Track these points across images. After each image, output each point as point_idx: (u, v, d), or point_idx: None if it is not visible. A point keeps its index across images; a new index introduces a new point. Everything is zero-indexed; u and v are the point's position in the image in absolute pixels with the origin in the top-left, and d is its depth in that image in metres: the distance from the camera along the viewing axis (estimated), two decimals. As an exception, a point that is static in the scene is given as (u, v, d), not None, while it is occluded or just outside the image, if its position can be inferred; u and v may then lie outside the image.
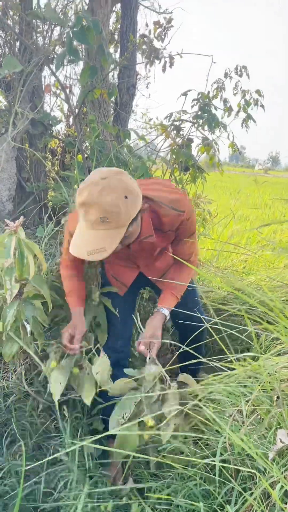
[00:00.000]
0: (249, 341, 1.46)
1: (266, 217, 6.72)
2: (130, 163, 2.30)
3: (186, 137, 2.50)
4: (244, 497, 1.13)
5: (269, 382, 1.31)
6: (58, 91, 2.94)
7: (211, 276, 2.51)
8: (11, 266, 1.12)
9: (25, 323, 1.23)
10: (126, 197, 1.15)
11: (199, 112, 2.29)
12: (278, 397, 1.31)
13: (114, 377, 1.40)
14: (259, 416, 1.32)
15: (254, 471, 1.15)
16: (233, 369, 1.36)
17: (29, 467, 1.45)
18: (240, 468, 1.16)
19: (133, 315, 1.64)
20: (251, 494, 1.11)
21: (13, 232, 1.09)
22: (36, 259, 1.18)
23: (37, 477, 1.52)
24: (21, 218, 1.11)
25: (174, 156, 2.44)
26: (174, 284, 1.55)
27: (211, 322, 1.39)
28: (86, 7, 2.77)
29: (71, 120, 2.96)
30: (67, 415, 1.63)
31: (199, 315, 1.64)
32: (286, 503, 1.04)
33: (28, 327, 1.24)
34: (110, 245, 1.15)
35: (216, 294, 2.44)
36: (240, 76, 2.56)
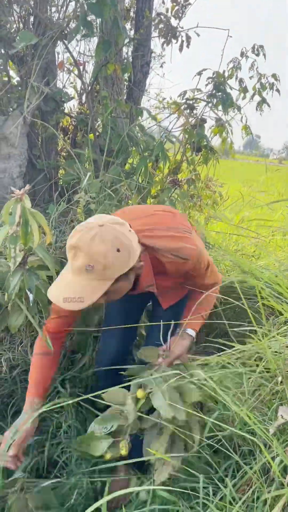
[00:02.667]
0: (252, 326, 1.44)
1: (278, 205, 6.62)
2: (141, 141, 2.28)
3: (200, 117, 2.46)
4: (244, 470, 1.14)
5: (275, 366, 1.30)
6: (71, 68, 2.91)
7: (220, 259, 2.48)
8: (16, 234, 1.12)
9: (28, 292, 1.22)
10: (118, 250, 1.06)
11: (214, 91, 2.24)
12: (282, 377, 1.31)
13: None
14: (261, 396, 1.33)
15: (255, 446, 1.16)
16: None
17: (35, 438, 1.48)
18: (246, 436, 1.15)
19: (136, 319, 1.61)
20: (251, 468, 1.12)
21: (19, 199, 1.09)
22: (41, 229, 1.17)
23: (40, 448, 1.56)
24: (27, 186, 1.10)
25: (186, 136, 2.41)
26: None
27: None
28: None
29: (83, 97, 2.93)
30: (68, 391, 1.66)
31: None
32: (284, 478, 1.04)
33: (31, 296, 1.23)
34: (90, 296, 1.06)
35: (224, 277, 2.42)
36: (257, 55, 2.50)
